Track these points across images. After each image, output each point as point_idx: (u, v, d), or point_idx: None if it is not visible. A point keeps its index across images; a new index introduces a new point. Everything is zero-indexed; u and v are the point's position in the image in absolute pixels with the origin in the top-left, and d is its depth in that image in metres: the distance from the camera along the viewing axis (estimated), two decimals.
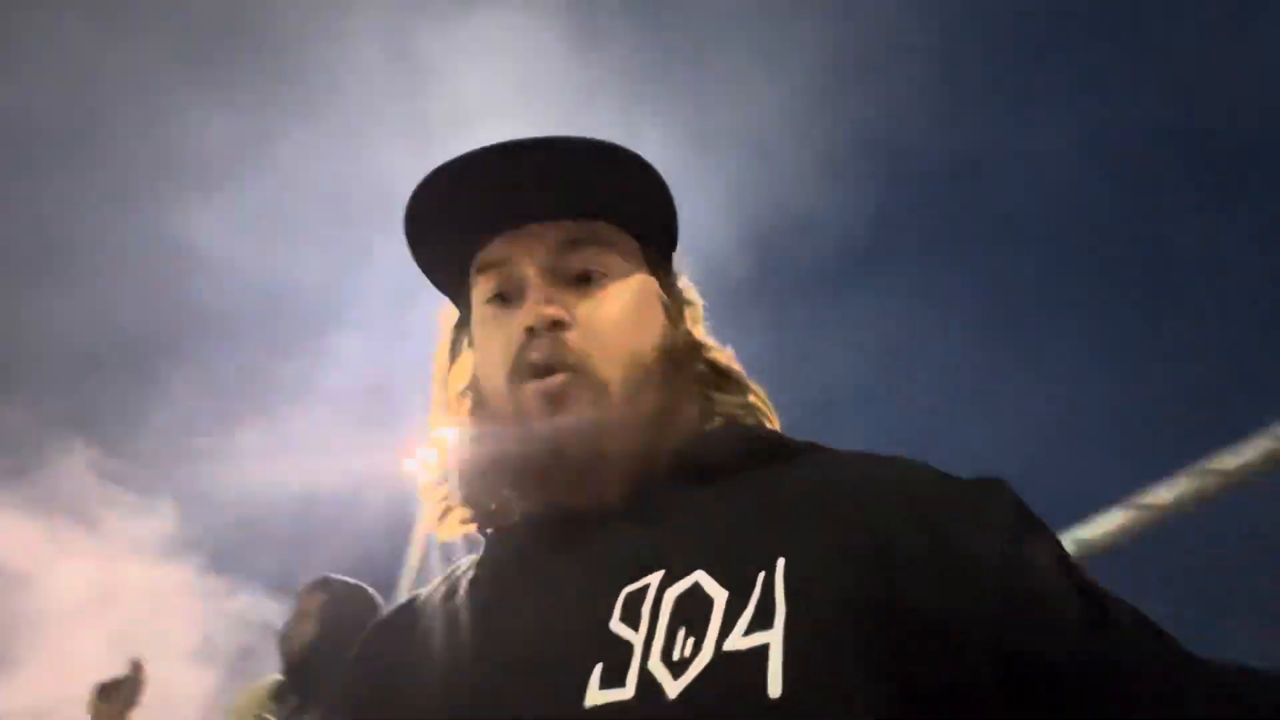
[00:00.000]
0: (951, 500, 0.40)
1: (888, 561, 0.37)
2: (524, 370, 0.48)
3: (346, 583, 2.03)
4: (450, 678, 0.43)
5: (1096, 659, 0.33)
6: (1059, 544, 0.39)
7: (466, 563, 0.56)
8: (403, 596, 0.65)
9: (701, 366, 0.57)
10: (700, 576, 0.38)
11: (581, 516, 0.48)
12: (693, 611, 0.37)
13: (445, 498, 0.56)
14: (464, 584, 0.52)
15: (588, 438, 0.47)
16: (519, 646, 0.41)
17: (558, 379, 0.48)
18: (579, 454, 0.47)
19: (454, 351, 0.61)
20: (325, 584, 2.01)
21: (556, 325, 0.48)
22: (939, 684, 0.33)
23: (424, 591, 0.57)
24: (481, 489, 0.54)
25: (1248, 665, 0.34)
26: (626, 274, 0.53)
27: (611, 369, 0.49)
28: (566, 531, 0.48)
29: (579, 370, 0.48)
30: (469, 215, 0.53)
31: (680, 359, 0.54)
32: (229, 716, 2.04)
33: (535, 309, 0.49)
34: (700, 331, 0.59)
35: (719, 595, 0.37)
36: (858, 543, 0.38)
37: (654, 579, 0.39)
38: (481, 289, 0.54)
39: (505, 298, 0.52)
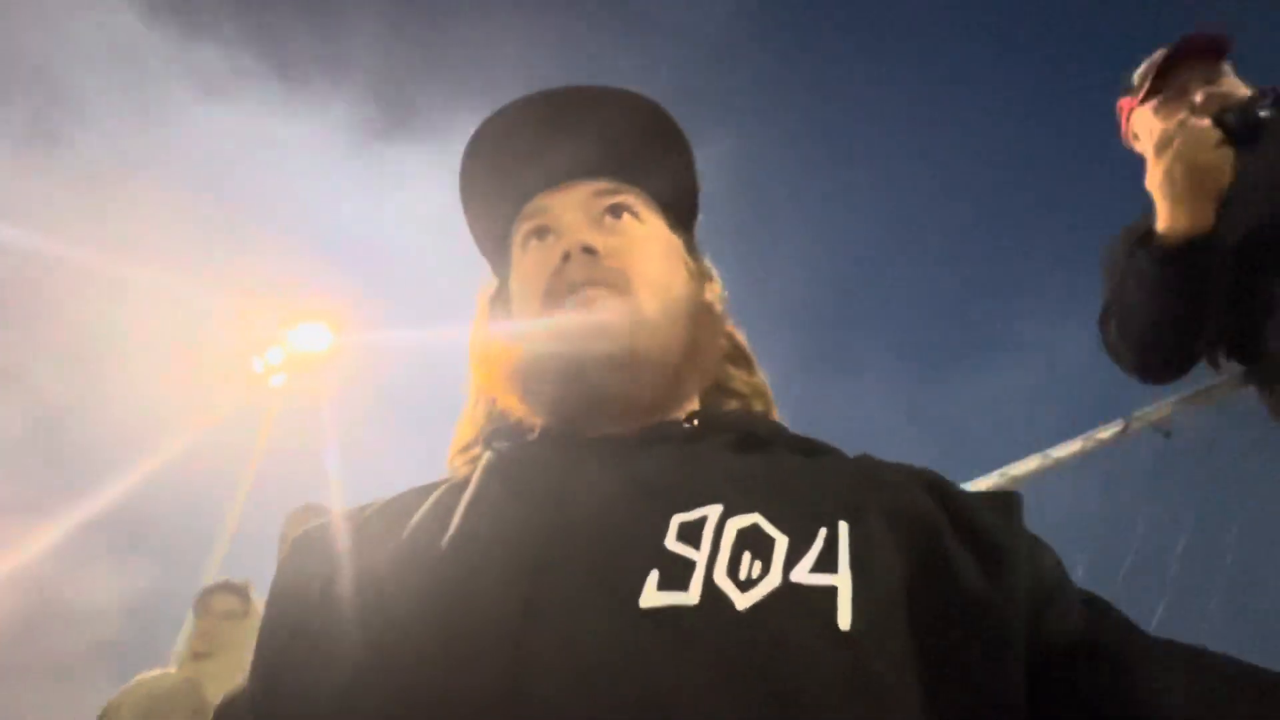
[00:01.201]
0: (980, 501, 0.43)
1: (934, 547, 0.38)
2: (560, 290, 0.50)
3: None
4: (462, 574, 0.38)
5: (1103, 645, 0.36)
6: (1057, 557, 0.43)
7: (441, 482, 0.52)
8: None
9: (722, 338, 0.59)
10: (758, 518, 0.38)
11: (607, 438, 0.48)
12: (756, 544, 0.36)
13: (476, 453, 0.55)
14: (475, 482, 0.47)
15: (622, 346, 0.48)
16: (551, 546, 0.38)
17: (594, 290, 0.50)
18: (613, 361, 0.48)
19: (488, 319, 0.62)
20: (311, 507, 2.16)
21: (589, 251, 0.51)
22: (979, 661, 0.34)
23: (390, 499, 0.52)
24: (506, 402, 0.54)
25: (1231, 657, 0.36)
26: (654, 225, 0.58)
27: (644, 292, 0.51)
28: (591, 449, 0.47)
29: (615, 287, 0.50)
30: (514, 178, 0.57)
31: (704, 318, 0.56)
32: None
33: (572, 235, 0.52)
34: (721, 306, 0.61)
35: (780, 537, 0.37)
36: (904, 527, 0.39)
37: (712, 511, 0.38)
38: (522, 238, 0.57)
39: (542, 233, 0.56)
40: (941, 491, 0.43)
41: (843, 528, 0.37)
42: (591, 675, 0.31)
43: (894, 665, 0.32)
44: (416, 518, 0.45)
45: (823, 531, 0.37)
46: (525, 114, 0.55)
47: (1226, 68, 1.25)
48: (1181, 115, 1.10)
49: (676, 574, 0.35)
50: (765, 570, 0.34)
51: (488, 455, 0.51)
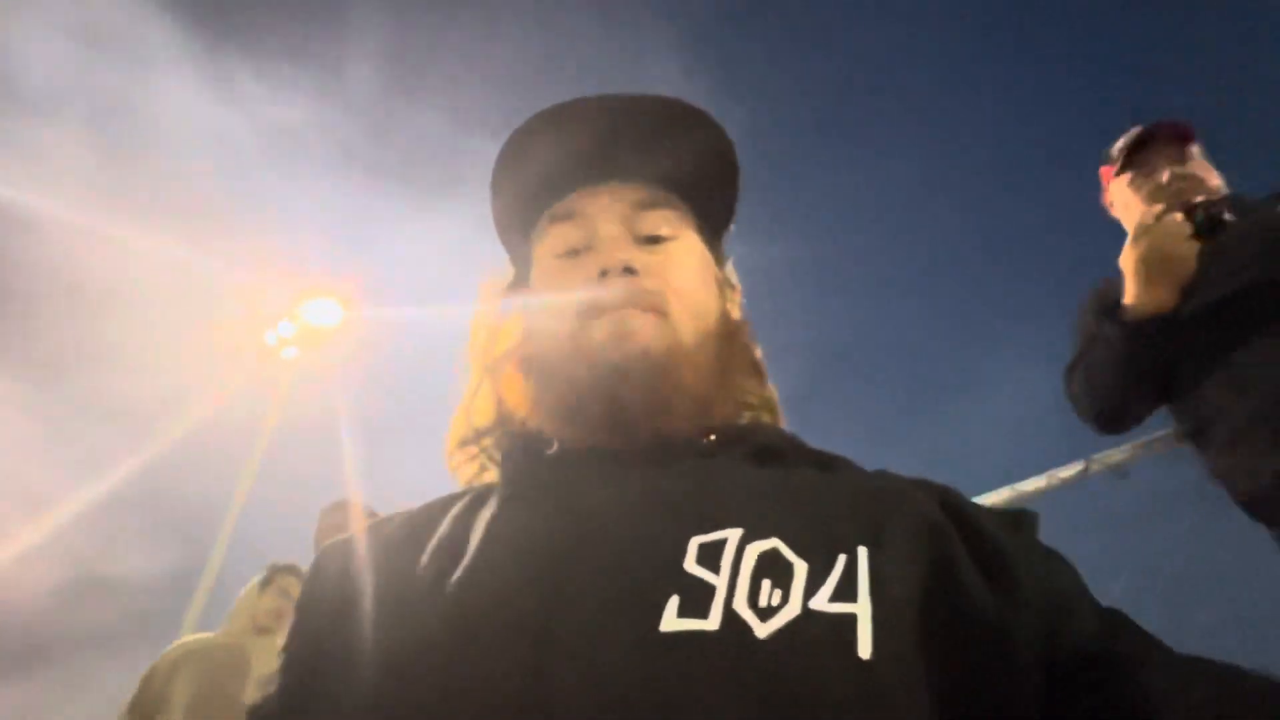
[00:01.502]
0: (993, 519, 0.42)
1: (948, 570, 0.37)
2: (596, 309, 0.49)
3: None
4: (481, 599, 0.38)
5: (1121, 657, 0.35)
6: (1076, 570, 0.43)
7: (465, 493, 0.52)
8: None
9: (743, 348, 0.58)
10: (778, 543, 0.37)
11: (629, 456, 0.47)
12: (775, 570, 0.36)
13: (483, 452, 0.56)
14: (493, 498, 0.47)
15: (656, 369, 0.47)
16: (570, 570, 0.37)
17: (632, 313, 0.48)
18: (646, 383, 0.47)
19: (501, 315, 0.61)
20: (342, 504, 2.23)
21: (628, 271, 0.50)
22: (991, 683, 0.34)
23: (410, 510, 0.53)
24: (527, 420, 0.54)
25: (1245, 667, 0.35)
26: (690, 242, 0.56)
27: (681, 316, 0.50)
28: (611, 465, 0.47)
29: (653, 310, 0.49)
30: (550, 171, 0.55)
31: (734, 338, 0.56)
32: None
33: (612, 254, 0.50)
34: (740, 315, 0.61)
35: (799, 563, 0.36)
36: (920, 550, 0.38)
37: (732, 534, 0.38)
38: (553, 240, 0.56)
39: (575, 252, 0.54)
40: (955, 508, 0.42)
41: (861, 554, 0.37)
42: (611, 703, 0.31)
43: (912, 692, 0.32)
44: (437, 538, 0.45)
45: (842, 558, 0.36)
46: (577, 110, 0.54)
47: (1194, 150, 1.37)
48: (1157, 208, 1.22)
49: (696, 600, 0.34)
50: (785, 599, 0.34)
51: (507, 469, 0.51)
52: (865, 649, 0.32)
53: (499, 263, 0.66)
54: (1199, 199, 1.28)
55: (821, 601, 0.34)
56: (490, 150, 0.58)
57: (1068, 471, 1.41)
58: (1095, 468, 1.39)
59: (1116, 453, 1.40)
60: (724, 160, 0.57)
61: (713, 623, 0.33)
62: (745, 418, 0.57)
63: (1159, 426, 1.34)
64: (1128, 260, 1.16)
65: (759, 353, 0.61)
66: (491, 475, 0.57)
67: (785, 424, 0.60)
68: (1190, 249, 1.14)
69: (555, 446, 0.51)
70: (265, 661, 2.14)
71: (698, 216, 0.58)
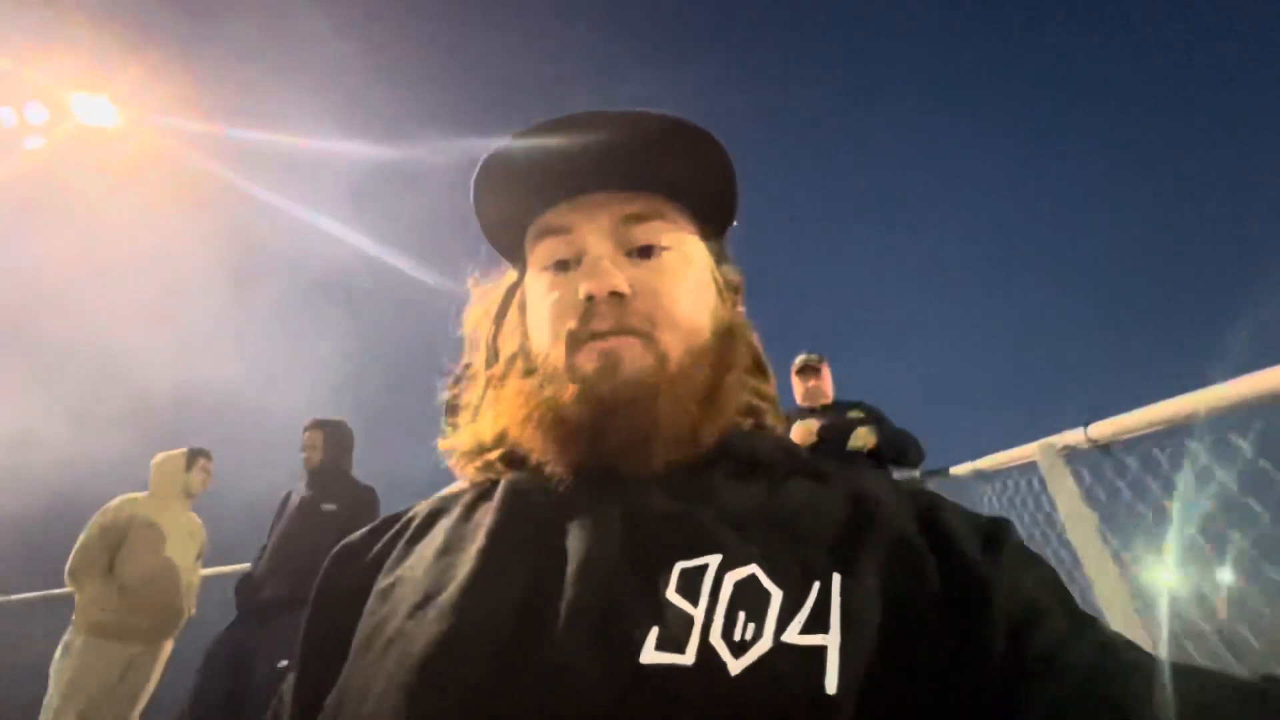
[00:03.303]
0: (971, 530, 0.42)
1: (919, 591, 0.38)
2: (583, 335, 0.49)
3: (334, 420, 2.95)
4: (474, 619, 0.38)
5: (1094, 668, 0.34)
6: (1055, 572, 0.42)
7: (463, 493, 0.54)
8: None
9: (744, 349, 0.57)
10: (755, 569, 0.38)
11: (620, 479, 0.47)
12: (752, 599, 0.36)
13: (491, 464, 0.55)
14: (481, 513, 0.48)
15: (644, 399, 0.47)
16: (557, 595, 0.38)
17: (619, 340, 0.48)
18: (633, 415, 0.47)
19: (501, 315, 0.61)
20: (320, 423, 2.89)
21: (616, 295, 0.49)
22: (961, 700, 0.34)
23: (400, 516, 0.55)
24: (516, 441, 0.53)
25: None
26: (685, 250, 0.54)
27: (670, 339, 0.49)
28: (602, 489, 0.46)
29: (639, 335, 0.49)
30: (536, 179, 0.54)
31: (729, 338, 0.54)
32: None
33: (598, 277, 0.49)
34: (742, 313, 0.60)
35: (775, 591, 0.37)
36: (894, 572, 0.39)
37: (713, 560, 0.39)
38: (540, 254, 0.55)
39: (564, 265, 0.53)
40: (932, 522, 0.42)
41: (835, 582, 0.37)
42: None
43: None
44: (435, 549, 0.47)
45: (816, 586, 0.37)
46: (563, 124, 0.52)
47: (826, 372, 2.92)
48: (809, 423, 2.66)
49: (675, 632, 0.35)
50: (759, 632, 0.35)
51: (505, 486, 0.50)
52: (832, 683, 0.32)
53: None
54: (822, 403, 2.84)
55: (793, 634, 0.35)
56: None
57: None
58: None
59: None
60: (716, 155, 0.54)
61: (689, 657, 0.34)
62: (747, 423, 0.56)
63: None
64: (794, 433, 2.62)
65: (761, 350, 0.60)
66: (475, 458, 0.56)
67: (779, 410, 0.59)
68: (813, 429, 2.65)
69: (551, 465, 0.50)
70: (189, 521, 3.03)
71: (696, 219, 0.57)
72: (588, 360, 0.48)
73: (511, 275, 0.62)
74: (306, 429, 2.88)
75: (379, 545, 0.52)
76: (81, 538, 2.75)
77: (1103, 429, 1.31)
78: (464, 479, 0.57)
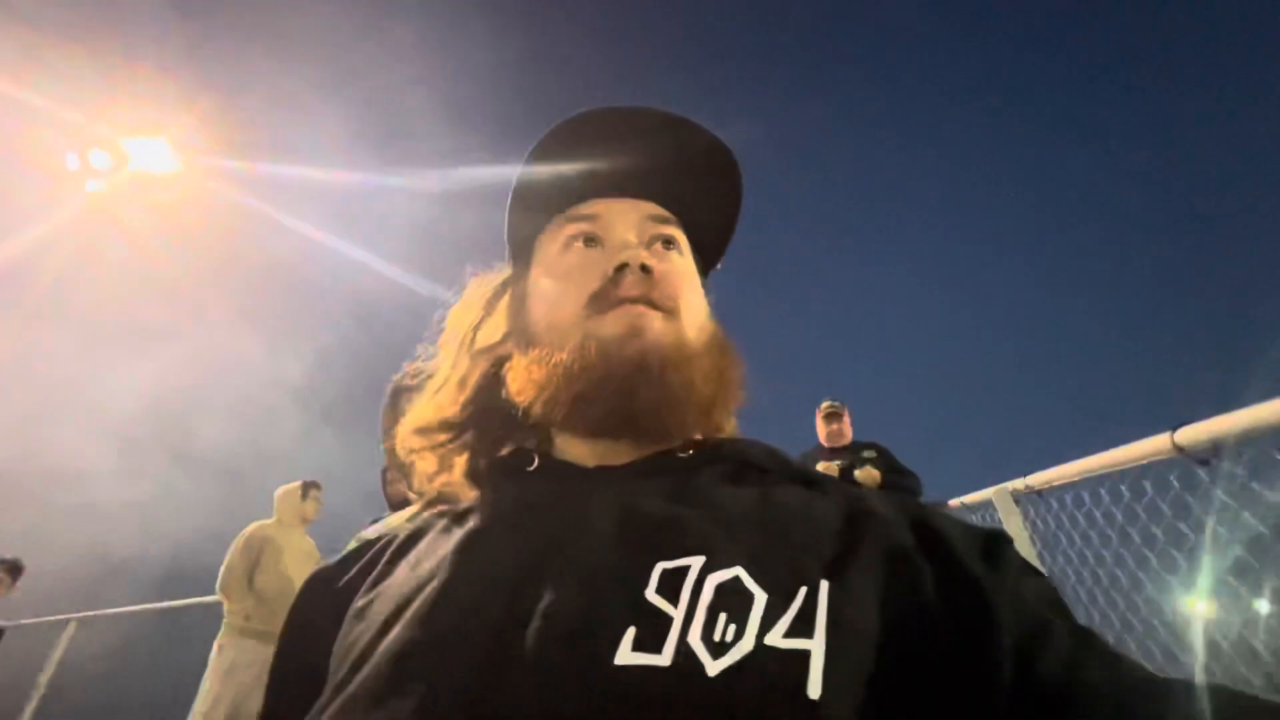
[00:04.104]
0: (966, 544, 0.41)
1: (915, 601, 0.37)
2: (610, 298, 0.49)
3: None
4: (446, 625, 0.38)
5: (1090, 681, 0.33)
6: (1052, 585, 0.41)
7: (444, 506, 0.53)
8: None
9: (738, 366, 0.57)
10: (740, 572, 0.37)
11: (608, 469, 0.48)
12: (733, 602, 0.35)
13: (446, 445, 0.56)
14: (469, 518, 0.47)
15: (669, 369, 0.47)
16: (537, 592, 0.37)
17: (646, 309, 0.49)
18: (666, 376, 0.47)
19: (490, 306, 0.61)
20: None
21: (646, 270, 0.50)
22: (958, 713, 0.32)
23: (383, 532, 0.54)
24: (507, 425, 0.54)
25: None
26: (692, 262, 0.58)
27: (690, 324, 0.51)
28: (591, 482, 0.47)
29: (666, 311, 0.50)
30: (580, 175, 0.56)
31: (724, 351, 0.55)
32: None
33: (632, 249, 0.51)
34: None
35: (759, 594, 0.36)
36: (888, 580, 0.38)
37: (695, 562, 0.37)
38: (565, 234, 0.55)
39: (592, 240, 0.55)
40: (928, 531, 0.41)
41: (823, 588, 0.36)
42: None
43: None
44: (411, 562, 0.46)
45: (803, 590, 0.36)
46: (606, 119, 0.55)
47: (847, 418, 3.36)
48: (832, 465, 3.12)
49: (652, 632, 0.34)
50: (740, 633, 0.34)
51: (487, 489, 0.51)
52: (815, 688, 0.31)
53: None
54: (842, 444, 3.28)
55: (776, 637, 0.34)
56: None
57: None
58: None
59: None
60: (731, 202, 0.59)
61: (665, 658, 0.33)
62: (727, 431, 0.57)
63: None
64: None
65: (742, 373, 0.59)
66: (451, 475, 0.56)
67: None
68: (835, 469, 3.08)
69: (535, 463, 0.51)
70: (305, 543, 3.57)
71: (695, 250, 0.60)
72: (614, 324, 0.48)
73: (507, 271, 0.63)
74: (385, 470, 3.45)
75: (353, 571, 0.50)
76: (226, 558, 3.34)
77: (1036, 479, 1.86)
78: (413, 470, 0.58)
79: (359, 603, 0.45)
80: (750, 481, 0.47)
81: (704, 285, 0.60)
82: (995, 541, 0.42)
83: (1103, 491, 1.68)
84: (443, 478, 0.56)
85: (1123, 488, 1.60)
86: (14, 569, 3.70)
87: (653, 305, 0.49)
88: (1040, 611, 0.37)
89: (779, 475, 0.49)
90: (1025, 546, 1.93)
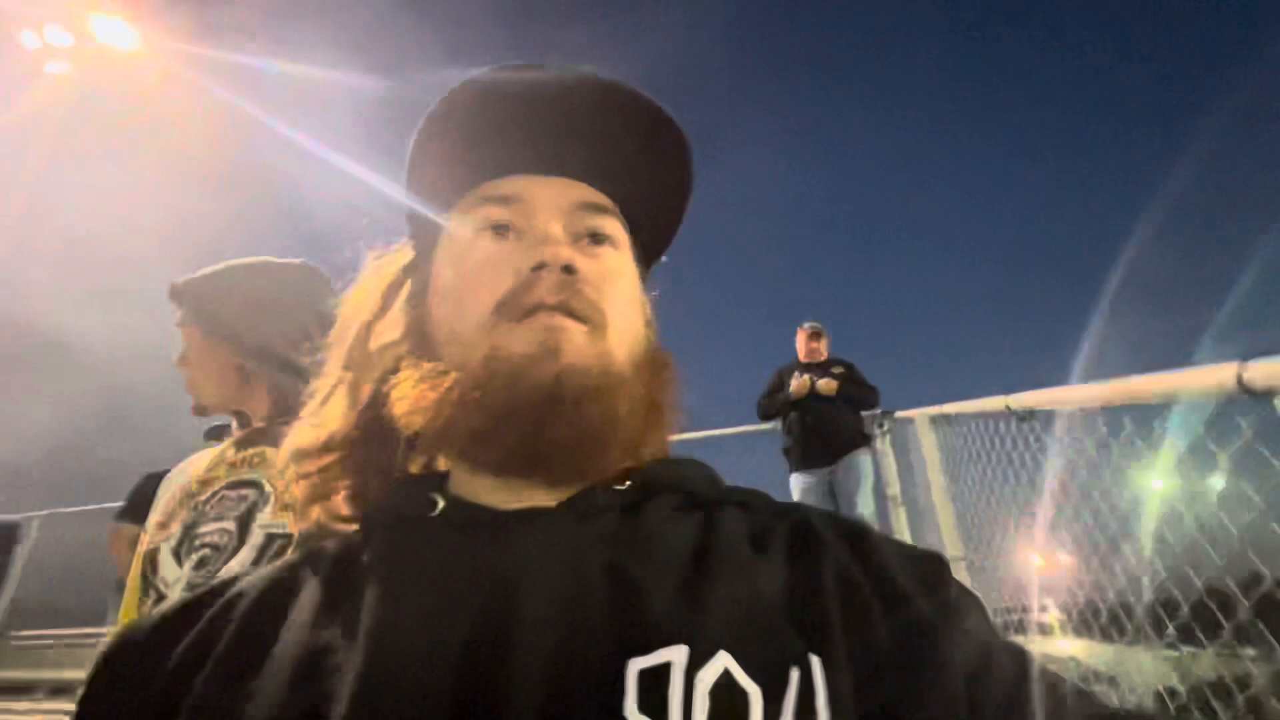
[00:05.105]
0: (905, 567, 0.40)
1: (880, 648, 0.35)
2: (521, 305, 0.41)
3: None
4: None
5: (1029, 706, 0.33)
6: (984, 606, 0.41)
7: (314, 553, 0.42)
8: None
9: (672, 383, 0.50)
10: (727, 661, 0.32)
11: (531, 513, 0.39)
12: (730, 706, 0.30)
13: (328, 469, 0.46)
14: (351, 578, 0.38)
15: (587, 397, 0.39)
16: (488, 697, 0.30)
17: (563, 321, 0.41)
18: (584, 409, 0.39)
19: (388, 298, 0.51)
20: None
21: (568, 272, 0.42)
22: None
23: (230, 586, 0.40)
24: (397, 452, 0.46)
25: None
26: (627, 258, 0.49)
27: (614, 339, 0.43)
28: (512, 538, 0.37)
29: (588, 322, 0.42)
30: (500, 140, 0.47)
31: (659, 365, 0.49)
32: None
33: (553, 245, 0.43)
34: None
35: (752, 690, 0.31)
36: (855, 634, 0.35)
37: (675, 656, 0.31)
38: (474, 218, 0.46)
39: (503, 230, 0.46)
40: (866, 556, 0.40)
41: (815, 666, 0.33)
42: None
43: None
44: (294, 632, 0.35)
45: (795, 675, 0.32)
46: (533, 80, 0.46)
47: (825, 338, 3.95)
48: (807, 377, 3.75)
49: None
50: None
51: (376, 543, 0.40)
52: None
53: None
54: (818, 360, 3.86)
55: None
56: None
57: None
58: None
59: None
60: (680, 185, 0.51)
61: None
62: (659, 455, 0.49)
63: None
64: (794, 385, 3.75)
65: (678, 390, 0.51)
66: (332, 506, 0.47)
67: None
68: (807, 383, 3.73)
69: (439, 506, 0.41)
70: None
71: (635, 240, 0.51)
72: (524, 338, 0.40)
73: (408, 254, 0.53)
74: None
75: (183, 644, 0.36)
76: None
77: (946, 408, 2.44)
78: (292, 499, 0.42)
79: (194, 699, 0.33)
80: (695, 516, 0.42)
81: (644, 280, 0.53)
82: (933, 567, 0.41)
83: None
84: (318, 509, 0.47)
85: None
86: None
87: (572, 315, 0.42)
88: (982, 638, 0.37)
89: (719, 505, 0.44)
90: (933, 457, 2.54)
